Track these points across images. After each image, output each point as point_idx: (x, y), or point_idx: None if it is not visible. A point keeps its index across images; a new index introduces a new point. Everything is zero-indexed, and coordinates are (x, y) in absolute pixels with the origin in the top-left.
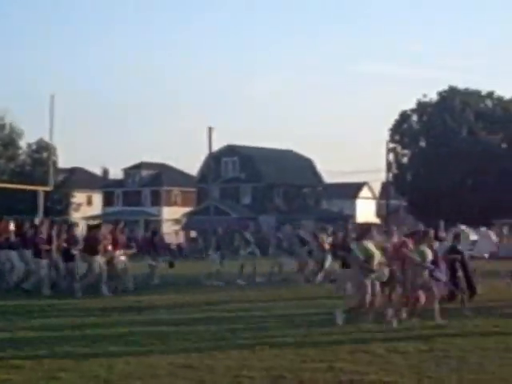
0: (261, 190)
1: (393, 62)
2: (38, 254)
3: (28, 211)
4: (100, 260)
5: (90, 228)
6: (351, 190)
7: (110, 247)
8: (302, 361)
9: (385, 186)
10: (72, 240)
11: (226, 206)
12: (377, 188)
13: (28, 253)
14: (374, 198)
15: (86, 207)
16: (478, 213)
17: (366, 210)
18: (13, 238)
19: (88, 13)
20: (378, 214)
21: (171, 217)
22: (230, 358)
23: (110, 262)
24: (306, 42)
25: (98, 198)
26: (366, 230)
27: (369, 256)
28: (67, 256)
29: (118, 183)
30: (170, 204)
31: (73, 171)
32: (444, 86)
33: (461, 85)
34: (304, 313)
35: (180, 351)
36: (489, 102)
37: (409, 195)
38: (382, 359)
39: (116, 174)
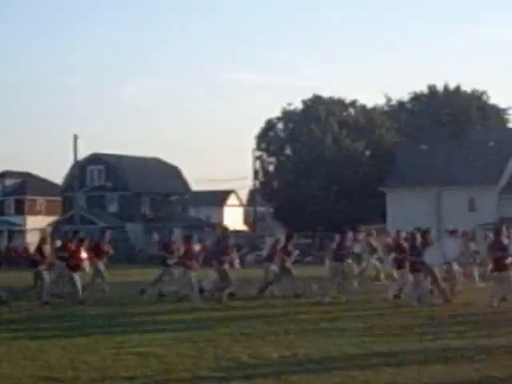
0: (127, 198)
1: (258, 70)
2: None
3: None
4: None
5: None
6: (218, 198)
7: None
8: (165, 370)
9: (252, 194)
10: (171, 249)
11: (93, 214)
12: (244, 195)
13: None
14: (242, 205)
15: None
16: (344, 219)
17: (233, 218)
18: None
19: None
20: (246, 221)
21: (36, 226)
22: (92, 367)
23: None
24: (173, 48)
25: None
26: None
27: None
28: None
29: None
30: (34, 213)
31: None
32: (308, 95)
33: (325, 93)
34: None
35: None
36: (352, 111)
37: (275, 202)
38: (246, 366)
39: None
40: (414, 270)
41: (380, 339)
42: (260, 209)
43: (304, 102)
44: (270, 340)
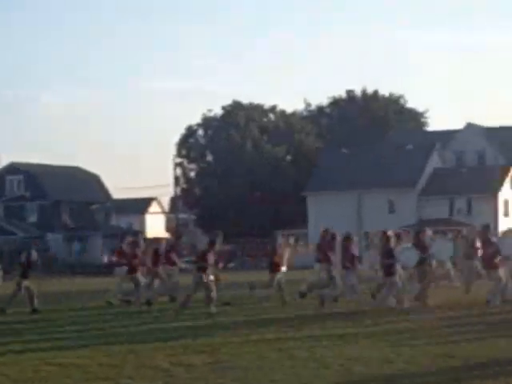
0: (47, 208)
1: (178, 77)
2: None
3: None
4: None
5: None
6: (140, 205)
7: None
8: (86, 379)
9: (173, 201)
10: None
11: (12, 225)
12: (166, 203)
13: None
14: (164, 212)
15: None
16: (266, 223)
17: (155, 225)
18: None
19: None
20: (168, 229)
21: None
22: (11, 378)
23: None
24: (94, 56)
25: None
26: None
27: None
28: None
29: None
30: None
31: None
32: (228, 101)
33: (244, 99)
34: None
35: None
36: (272, 116)
37: (197, 209)
38: (167, 373)
39: None
40: (390, 273)
41: (306, 344)
42: (182, 216)
43: (224, 108)
44: (194, 348)
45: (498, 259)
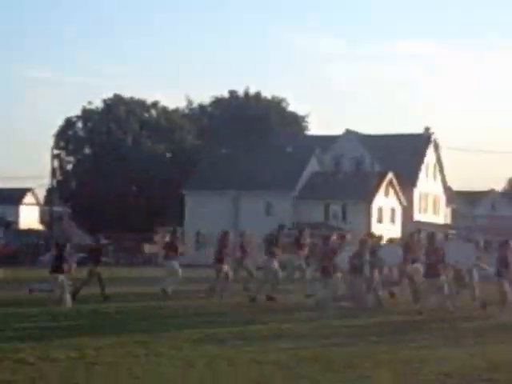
0: None
1: (58, 67)
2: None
3: None
4: None
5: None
6: (14, 196)
7: None
8: None
9: (49, 193)
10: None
11: None
12: (42, 194)
13: None
14: (38, 204)
15: None
16: (143, 220)
17: (29, 217)
18: None
19: None
20: (42, 221)
21: None
22: None
23: None
24: None
25: None
26: None
27: None
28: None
29: None
30: None
31: None
32: (109, 94)
33: (126, 93)
34: None
35: None
36: (153, 112)
37: (73, 202)
38: (32, 367)
39: None
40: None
41: (175, 343)
42: (57, 209)
43: (104, 101)
44: (60, 342)
45: (441, 267)
